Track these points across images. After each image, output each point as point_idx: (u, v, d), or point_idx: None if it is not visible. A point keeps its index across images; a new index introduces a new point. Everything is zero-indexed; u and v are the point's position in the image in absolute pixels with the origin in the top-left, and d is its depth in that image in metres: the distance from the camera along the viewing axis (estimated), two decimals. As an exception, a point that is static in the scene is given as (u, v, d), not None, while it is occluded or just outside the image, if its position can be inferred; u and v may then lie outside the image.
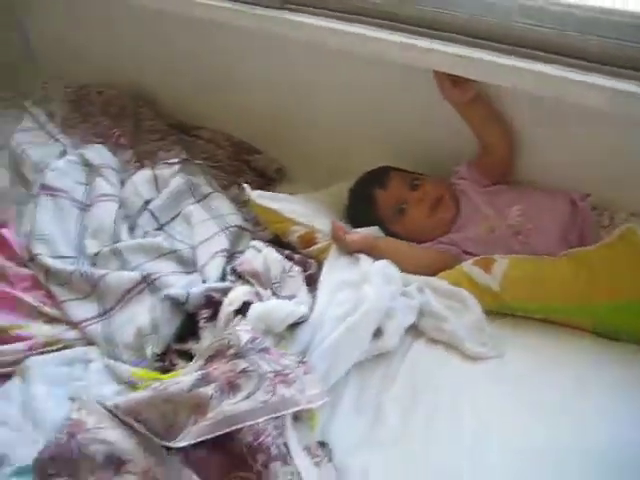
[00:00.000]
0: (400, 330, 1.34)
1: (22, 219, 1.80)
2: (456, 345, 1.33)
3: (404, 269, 1.45)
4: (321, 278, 1.44)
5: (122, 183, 1.89)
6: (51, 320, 1.57)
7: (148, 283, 1.52)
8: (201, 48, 2.05)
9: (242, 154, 2.06)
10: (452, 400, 1.25)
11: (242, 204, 1.82)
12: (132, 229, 1.77)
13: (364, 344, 1.29)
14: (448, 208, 1.59)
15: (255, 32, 1.77)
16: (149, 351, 1.41)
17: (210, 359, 1.21)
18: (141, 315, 1.48)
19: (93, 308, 1.54)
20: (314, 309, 1.35)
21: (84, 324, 1.52)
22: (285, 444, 1.08)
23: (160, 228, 1.77)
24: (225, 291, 1.42)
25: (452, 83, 1.52)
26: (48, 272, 1.62)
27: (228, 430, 1.06)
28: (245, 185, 1.66)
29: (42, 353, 1.47)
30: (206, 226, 1.70)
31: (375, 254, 1.48)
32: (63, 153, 2.01)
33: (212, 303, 1.42)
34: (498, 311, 1.41)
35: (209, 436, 1.07)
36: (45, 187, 1.81)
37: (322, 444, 1.17)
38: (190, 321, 1.44)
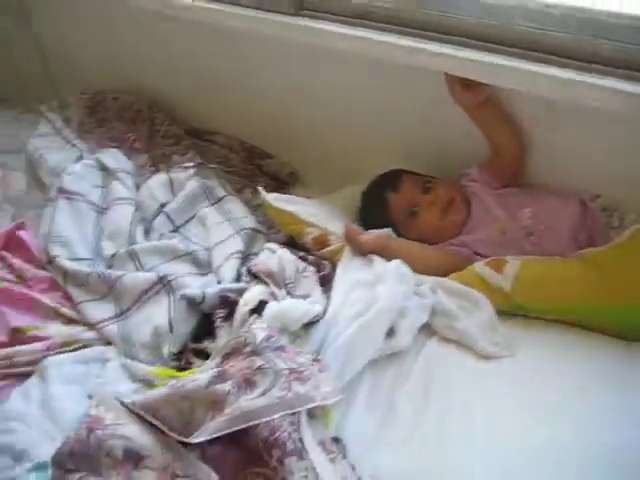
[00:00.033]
0: (413, 329, 1.34)
1: (40, 222, 1.82)
2: (468, 344, 1.34)
3: (416, 270, 1.46)
4: (335, 278, 1.45)
5: (137, 187, 1.91)
6: (68, 321, 1.59)
7: (164, 284, 1.54)
8: (215, 54, 2.06)
9: (255, 159, 2.08)
10: (464, 399, 1.25)
11: (255, 207, 1.85)
12: (148, 232, 1.79)
13: (377, 342, 1.29)
14: (459, 210, 1.60)
15: (270, 38, 1.79)
16: (166, 350, 1.43)
17: (226, 357, 1.22)
18: (157, 315, 1.49)
19: (110, 309, 1.56)
20: (328, 308, 1.36)
21: (101, 324, 1.54)
22: (300, 440, 1.09)
23: (175, 230, 1.79)
24: (240, 291, 1.43)
25: (463, 86, 1.53)
26: (66, 274, 1.64)
27: (245, 426, 1.08)
28: (260, 188, 1.69)
29: (60, 353, 1.48)
30: (221, 228, 1.72)
31: (388, 255, 1.49)
32: (80, 158, 2.03)
33: (228, 303, 1.43)
34: (510, 311, 1.42)
35: (226, 431, 1.08)
36: (62, 190, 1.84)
37: (336, 440, 1.17)
38: (206, 321, 1.46)
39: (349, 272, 1.47)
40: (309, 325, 1.33)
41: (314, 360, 1.22)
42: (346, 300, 1.38)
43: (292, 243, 1.63)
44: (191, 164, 1.92)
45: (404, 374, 1.32)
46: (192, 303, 1.46)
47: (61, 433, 1.25)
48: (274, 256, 1.51)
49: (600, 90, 1.31)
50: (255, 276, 1.47)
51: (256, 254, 1.61)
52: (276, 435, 1.08)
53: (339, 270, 1.47)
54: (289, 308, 1.32)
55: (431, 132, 1.73)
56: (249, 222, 1.75)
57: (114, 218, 1.78)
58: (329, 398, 1.15)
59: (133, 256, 1.66)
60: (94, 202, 1.84)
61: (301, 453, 1.08)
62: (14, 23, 2.48)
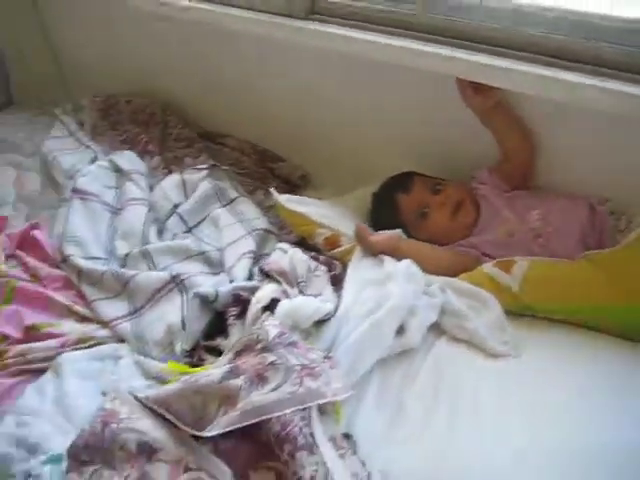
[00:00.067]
0: (423, 328, 1.36)
1: (54, 222, 1.84)
2: (478, 343, 1.35)
3: (426, 270, 1.47)
4: (346, 278, 1.46)
5: (150, 188, 1.94)
6: (82, 319, 1.61)
7: (177, 283, 1.56)
8: (227, 58, 2.08)
9: (266, 162, 2.10)
10: (473, 399, 1.26)
11: (267, 209, 1.87)
12: (161, 232, 1.82)
13: (387, 340, 1.31)
14: (469, 212, 1.61)
15: (282, 42, 1.81)
16: (178, 347, 1.44)
17: (239, 353, 1.24)
18: (170, 313, 1.51)
19: (124, 307, 1.58)
20: (339, 307, 1.37)
21: (114, 322, 1.56)
22: (311, 434, 1.10)
23: (188, 231, 1.81)
24: (253, 290, 1.45)
25: (474, 90, 1.54)
26: (80, 272, 1.66)
27: (256, 420, 1.08)
28: (272, 189, 1.70)
29: (74, 350, 1.50)
30: (233, 229, 1.74)
31: (398, 255, 1.50)
32: (94, 159, 2.06)
33: (240, 301, 1.45)
34: (517, 312, 1.43)
35: (238, 426, 1.09)
36: (77, 191, 1.86)
37: (347, 436, 1.18)
38: (218, 319, 1.48)
39: (360, 272, 1.48)
40: (320, 323, 1.34)
41: (325, 357, 1.23)
42: (357, 299, 1.39)
43: (303, 244, 1.64)
44: (204, 166, 1.94)
45: (413, 373, 1.33)
46: (205, 301, 1.47)
47: (75, 428, 1.26)
48: (286, 255, 1.52)
49: (609, 93, 1.32)
50: (267, 275, 1.49)
51: (268, 254, 1.63)
52: (287, 430, 1.09)
53: (350, 270, 1.49)
54: (301, 306, 1.33)
55: (441, 134, 1.74)
56: (261, 223, 1.77)
57: (128, 218, 1.80)
58: (340, 394, 1.16)
59: (146, 256, 1.69)
60: (108, 202, 1.87)
61: (312, 448, 1.09)
62: (27, 27, 2.50)
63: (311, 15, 1.71)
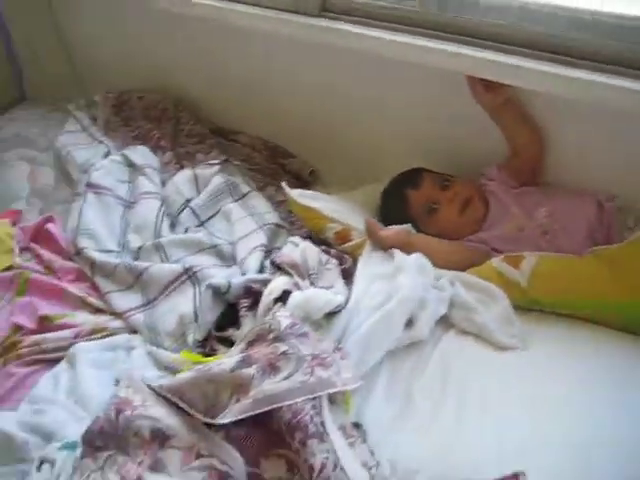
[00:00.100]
0: (432, 321, 1.37)
1: (67, 216, 1.87)
2: (486, 336, 1.36)
3: (435, 264, 1.48)
4: (357, 272, 1.47)
5: (163, 183, 1.95)
6: (96, 311, 1.64)
7: (190, 275, 1.58)
8: (239, 55, 2.09)
9: (277, 158, 2.12)
10: (480, 391, 1.27)
11: (278, 204, 1.88)
12: (173, 226, 1.83)
13: (397, 332, 1.32)
14: (477, 208, 1.63)
15: (293, 39, 1.82)
16: (190, 338, 1.47)
17: (251, 343, 1.26)
18: (183, 305, 1.54)
19: (137, 299, 1.60)
20: (350, 299, 1.39)
21: (128, 314, 1.58)
22: (322, 423, 1.12)
23: (201, 225, 1.83)
24: (265, 282, 1.46)
25: (484, 87, 1.56)
26: (94, 265, 1.68)
27: (268, 408, 1.10)
28: (284, 184, 1.72)
29: (88, 340, 1.53)
30: (245, 223, 1.76)
31: (408, 250, 1.51)
32: (107, 154, 2.07)
33: (252, 293, 1.47)
34: (525, 306, 1.44)
35: (250, 413, 1.11)
36: (91, 185, 1.88)
37: (357, 425, 1.20)
38: (230, 311, 1.50)
39: (370, 265, 1.49)
40: (331, 315, 1.36)
41: (336, 348, 1.24)
42: (367, 291, 1.41)
43: (313, 239, 1.65)
44: (216, 161, 1.96)
45: (422, 366, 1.35)
46: (217, 293, 1.49)
47: (89, 416, 1.28)
48: (297, 249, 1.54)
49: (617, 90, 1.33)
50: (279, 268, 1.50)
51: (279, 248, 1.65)
52: (298, 418, 1.10)
53: (360, 264, 1.50)
54: (312, 297, 1.35)
55: (449, 131, 1.75)
56: (272, 217, 1.79)
57: (141, 212, 1.83)
58: (350, 384, 1.18)
59: (159, 248, 1.71)
60: (121, 196, 1.89)
61: (322, 436, 1.10)
62: (41, 26, 2.53)
63: (323, 12, 1.72)
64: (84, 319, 1.59)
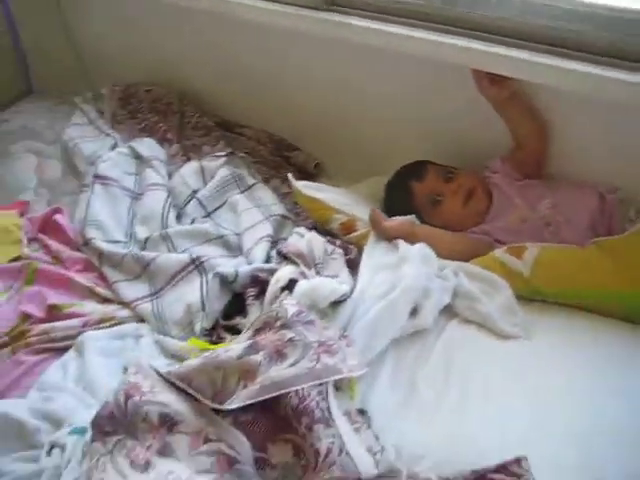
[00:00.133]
0: (436, 309, 1.39)
1: (75, 208, 1.88)
2: (489, 325, 1.38)
3: (439, 254, 1.49)
4: (361, 262, 1.49)
5: (169, 175, 1.96)
6: (103, 300, 1.65)
7: (197, 265, 1.60)
8: (245, 48, 2.09)
9: (282, 151, 2.13)
10: (482, 381, 1.29)
11: (283, 196, 1.90)
12: (179, 217, 1.85)
13: (402, 320, 1.34)
14: (481, 200, 1.64)
15: (300, 33, 1.82)
16: (198, 326, 1.48)
17: (258, 330, 1.27)
18: (190, 294, 1.55)
19: (144, 288, 1.62)
20: (355, 289, 1.40)
21: (135, 303, 1.60)
22: (328, 409, 1.14)
23: (207, 216, 1.85)
24: (271, 271, 1.48)
25: (490, 81, 1.56)
26: (102, 255, 1.70)
27: (275, 394, 1.12)
28: (290, 175, 1.74)
29: (96, 329, 1.54)
30: (251, 214, 1.77)
31: (411, 240, 1.52)
32: (114, 146, 2.08)
33: (259, 282, 1.49)
34: (528, 296, 1.46)
35: (258, 399, 1.12)
36: (98, 176, 1.90)
37: (361, 412, 1.22)
38: (237, 300, 1.51)
39: (375, 256, 1.51)
40: (336, 304, 1.37)
41: (341, 335, 1.26)
42: (372, 281, 1.42)
43: (318, 230, 1.66)
44: (222, 153, 1.97)
45: (426, 354, 1.37)
46: (225, 282, 1.51)
47: (97, 403, 1.29)
48: (303, 239, 1.56)
49: (620, 83, 1.35)
50: (285, 257, 1.52)
51: (285, 239, 1.67)
52: (305, 403, 1.12)
53: (365, 254, 1.51)
54: (318, 286, 1.36)
55: (454, 124, 1.76)
56: (278, 209, 1.81)
57: (148, 203, 1.84)
58: (355, 371, 1.20)
59: (166, 239, 1.72)
60: (128, 188, 1.90)
61: (328, 421, 1.12)
62: (49, 21, 2.54)
63: (331, 6, 1.72)
64: (92, 308, 1.61)
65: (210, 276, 1.53)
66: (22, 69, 2.61)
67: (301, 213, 1.82)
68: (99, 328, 1.55)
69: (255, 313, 1.43)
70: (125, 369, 1.37)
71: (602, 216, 1.54)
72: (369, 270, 1.46)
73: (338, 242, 1.58)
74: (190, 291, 1.56)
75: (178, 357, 1.45)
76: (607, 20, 1.40)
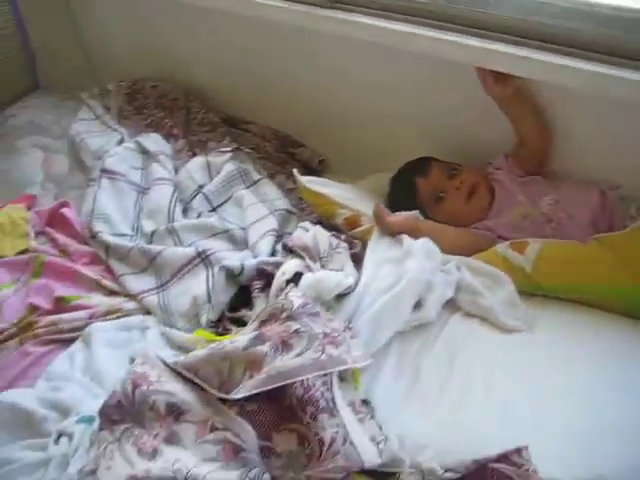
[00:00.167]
0: (439, 303, 1.41)
1: (82, 202, 1.89)
2: (491, 319, 1.40)
3: (442, 249, 1.51)
4: (366, 256, 1.50)
5: (176, 170, 1.98)
6: (110, 293, 1.67)
7: (203, 258, 1.61)
8: (251, 46, 2.10)
9: (287, 147, 2.14)
10: (485, 373, 1.31)
11: (288, 191, 1.92)
12: (185, 212, 1.86)
13: (405, 313, 1.36)
14: (483, 196, 1.66)
15: (304, 30, 1.83)
16: (204, 318, 1.50)
17: (264, 322, 1.29)
18: (196, 287, 1.57)
19: (151, 281, 1.64)
20: (359, 282, 1.42)
21: (142, 295, 1.62)
22: (332, 399, 1.15)
23: (213, 210, 1.86)
24: (277, 264, 1.50)
25: (494, 78, 1.57)
26: (108, 248, 1.72)
27: (281, 384, 1.14)
28: (295, 170, 1.75)
29: (103, 321, 1.56)
30: (256, 208, 1.79)
31: (415, 235, 1.54)
32: (121, 141, 2.10)
33: (264, 275, 1.50)
34: (529, 291, 1.47)
35: (263, 389, 1.14)
36: (105, 171, 1.91)
37: (365, 402, 1.24)
38: (242, 293, 1.53)
39: (379, 250, 1.52)
40: (341, 297, 1.39)
41: (346, 327, 1.28)
42: (376, 275, 1.44)
43: (323, 225, 1.67)
44: (228, 148, 1.99)
45: (429, 347, 1.38)
46: (231, 274, 1.52)
47: (105, 393, 1.31)
48: (309, 233, 1.57)
49: (623, 81, 1.36)
50: (291, 251, 1.53)
51: (290, 234, 1.68)
52: (310, 393, 1.14)
53: (369, 249, 1.53)
54: (323, 279, 1.38)
55: (457, 121, 1.77)
56: (283, 204, 1.83)
57: (154, 197, 1.85)
58: (359, 362, 1.21)
59: (172, 232, 1.74)
60: (135, 182, 1.92)
61: (332, 411, 1.14)
62: (57, 20, 2.55)
63: (335, 3, 1.74)
64: (99, 300, 1.63)
65: (216, 269, 1.54)
66: (29, 65, 2.61)
67: (306, 208, 1.84)
68: (106, 320, 1.57)
69: (261, 305, 1.44)
70: (132, 359, 1.39)
71: (603, 213, 1.55)
72: (373, 264, 1.47)
73: (343, 236, 1.59)
74: (196, 284, 1.57)
75: (184, 349, 1.46)
76: (608, 18, 1.42)
